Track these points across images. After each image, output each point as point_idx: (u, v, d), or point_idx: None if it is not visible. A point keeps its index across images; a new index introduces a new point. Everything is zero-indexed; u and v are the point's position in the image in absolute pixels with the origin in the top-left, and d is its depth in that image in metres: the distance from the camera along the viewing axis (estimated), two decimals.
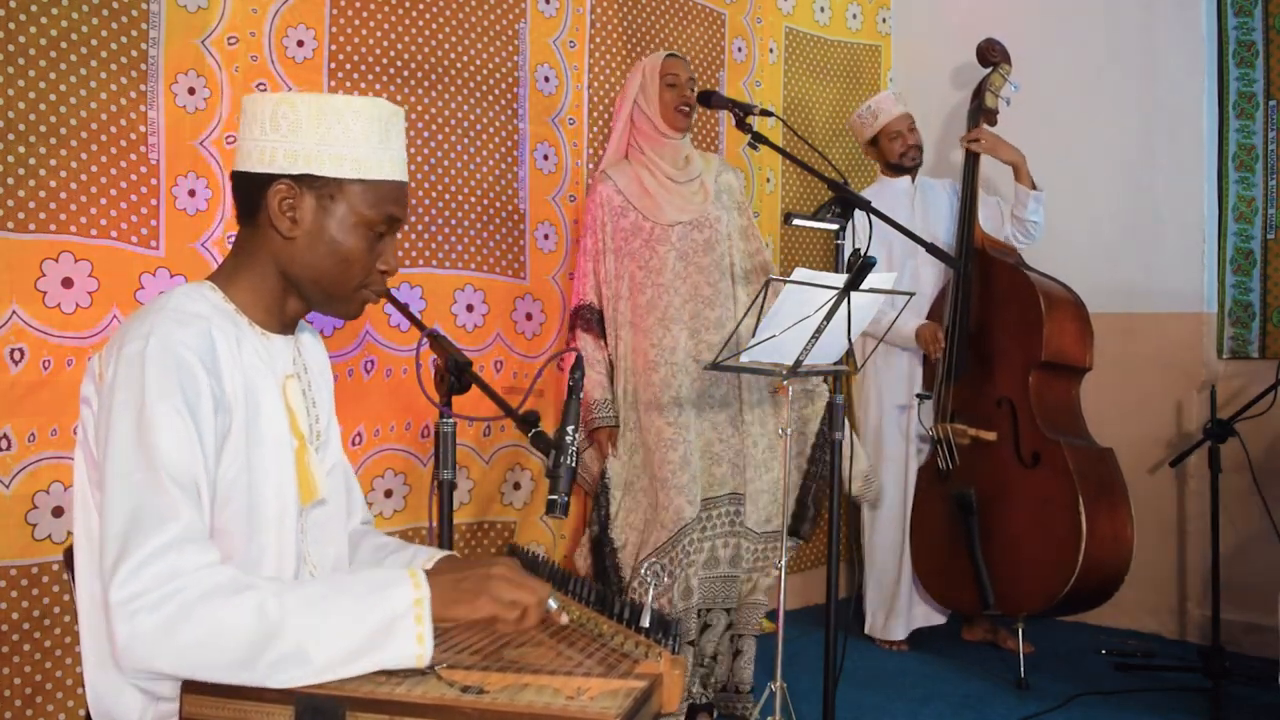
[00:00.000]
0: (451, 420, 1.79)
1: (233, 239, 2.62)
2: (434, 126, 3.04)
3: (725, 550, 2.89)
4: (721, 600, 2.93)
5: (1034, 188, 3.55)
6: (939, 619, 3.76)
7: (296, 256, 1.34)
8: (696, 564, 2.80)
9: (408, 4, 2.97)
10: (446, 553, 1.52)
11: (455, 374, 1.73)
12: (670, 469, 2.76)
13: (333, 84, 2.81)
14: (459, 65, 3.09)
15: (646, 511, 2.81)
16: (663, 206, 2.87)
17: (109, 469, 1.17)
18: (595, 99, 3.44)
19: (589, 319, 2.91)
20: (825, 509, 2.94)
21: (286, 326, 1.42)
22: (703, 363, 2.81)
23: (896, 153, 3.73)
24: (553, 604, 1.25)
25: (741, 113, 2.70)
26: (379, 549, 1.55)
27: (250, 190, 1.34)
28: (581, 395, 1.69)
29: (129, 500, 1.14)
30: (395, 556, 1.52)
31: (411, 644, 1.13)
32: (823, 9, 4.30)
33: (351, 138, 1.31)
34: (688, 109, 2.90)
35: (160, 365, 1.20)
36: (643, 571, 2.73)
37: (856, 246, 2.44)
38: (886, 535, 3.76)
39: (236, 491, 1.27)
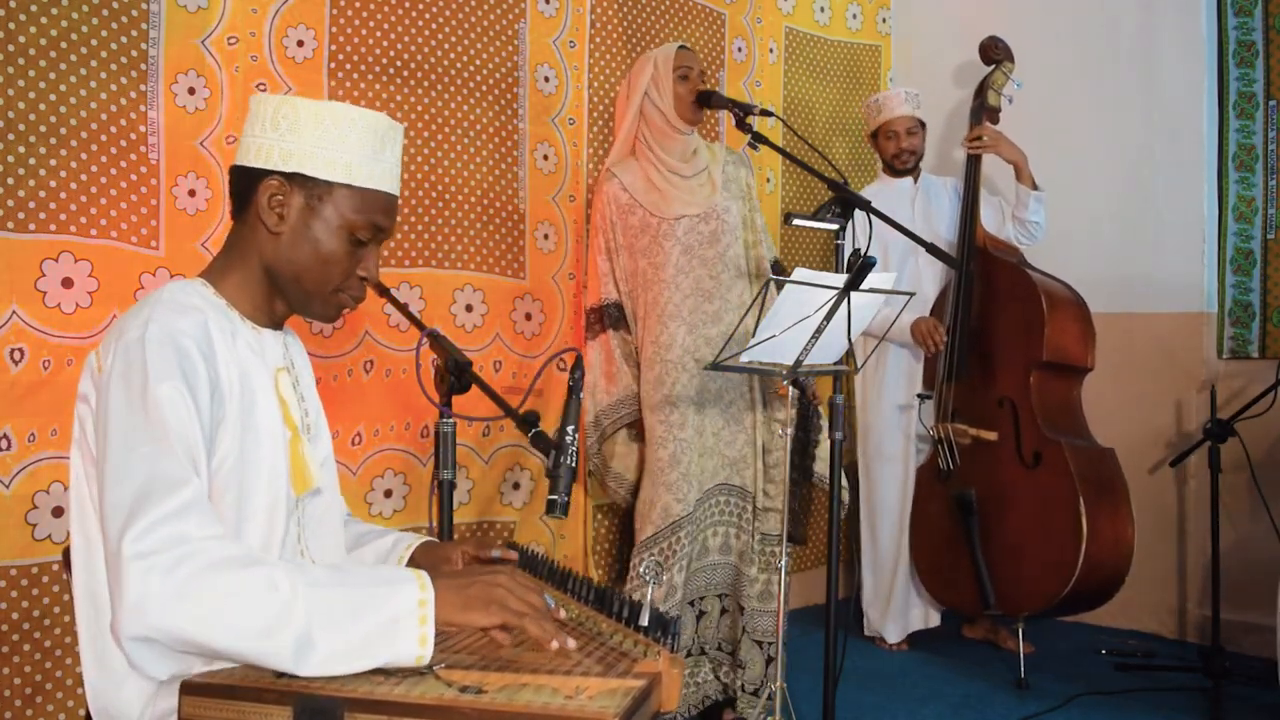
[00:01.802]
0: (451, 420, 1.79)
1: None
2: (434, 126, 3.04)
3: (715, 539, 2.90)
4: (714, 588, 2.92)
5: (1035, 187, 3.55)
6: (935, 620, 3.75)
7: (280, 252, 1.37)
8: (686, 559, 2.79)
9: (408, 4, 2.97)
10: (424, 539, 1.58)
11: (455, 374, 1.73)
12: (660, 466, 2.79)
13: (332, 84, 2.81)
14: (459, 65, 3.09)
15: (641, 506, 2.85)
16: (669, 200, 2.87)
17: (113, 445, 1.17)
18: (595, 99, 3.44)
19: (616, 316, 2.93)
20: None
21: (276, 321, 1.45)
22: (700, 359, 2.81)
23: (889, 153, 3.74)
24: (550, 600, 1.25)
25: (741, 113, 2.70)
26: (360, 536, 1.60)
27: (244, 185, 1.38)
28: (583, 396, 1.69)
29: (139, 470, 1.15)
30: (378, 541, 1.58)
31: (413, 645, 1.13)
32: (823, 9, 4.30)
33: (346, 144, 1.36)
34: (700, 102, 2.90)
35: (160, 348, 1.22)
36: (640, 569, 2.73)
37: (856, 246, 2.44)
38: (885, 536, 3.75)
39: (231, 481, 1.28)
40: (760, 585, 2.92)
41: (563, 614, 1.28)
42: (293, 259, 1.37)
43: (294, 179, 1.35)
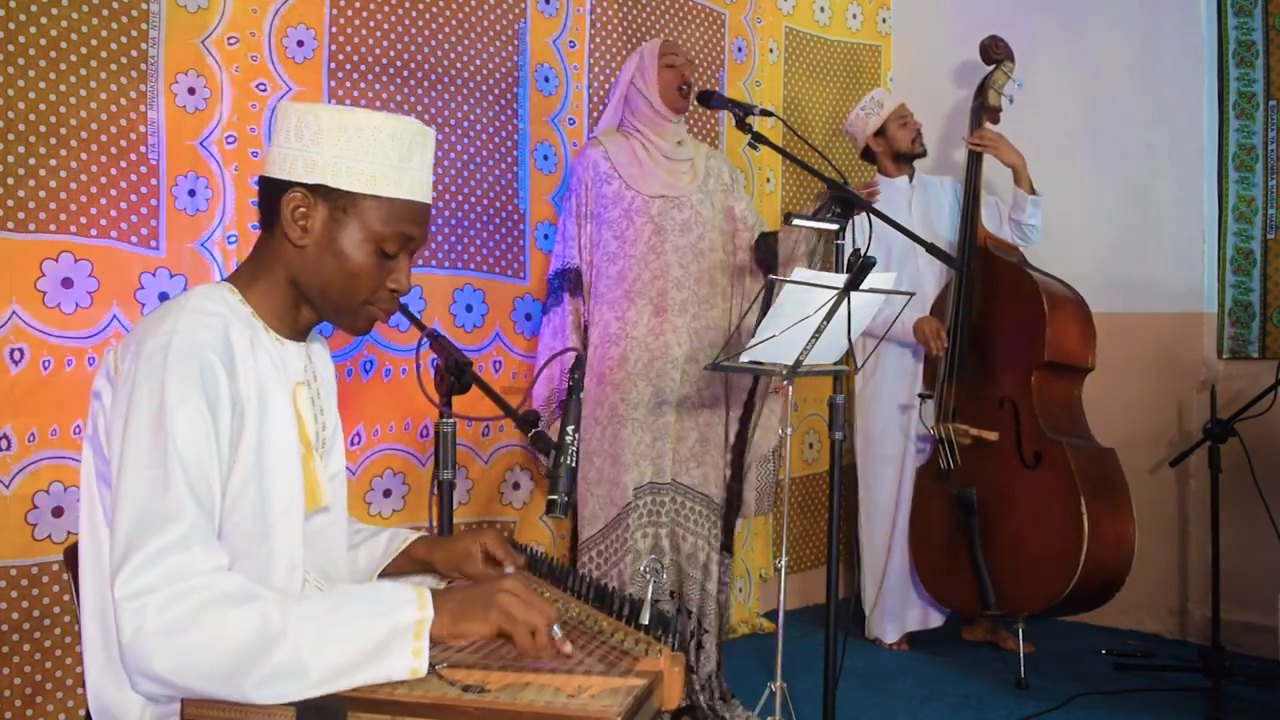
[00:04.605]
0: (451, 420, 1.79)
1: (233, 239, 2.64)
2: (434, 126, 3.03)
3: (667, 541, 2.85)
4: (662, 589, 2.89)
5: (1033, 192, 3.55)
6: (936, 621, 3.75)
7: (306, 266, 1.35)
8: (641, 549, 2.78)
9: (408, 4, 2.97)
10: (418, 534, 1.56)
11: (455, 374, 1.73)
12: (620, 445, 2.78)
13: (332, 84, 2.81)
14: (459, 65, 3.10)
15: (593, 486, 2.81)
16: (648, 177, 2.87)
17: (125, 464, 1.17)
18: (595, 99, 3.44)
19: (575, 282, 2.92)
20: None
21: (299, 333, 1.43)
22: (667, 344, 2.81)
23: (909, 138, 3.71)
24: (557, 631, 1.21)
25: (741, 113, 2.70)
26: (353, 536, 1.59)
27: (271, 196, 1.35)
28: (582, 395, 1.68)
29: (139, 497, 1.15)
30: (371, 542, 1.57)
31: (407, 659, 1.13)
32: (823, 9, 4.30)
33: (370, 153, 1.32)
34: (686, 89, 2.91)
35: (182, 364, 1.20)
36: (642, 570, 2.73)
37: (856, 246, 2.44)
38: (884, 535, 3.75)
39: (248, 493, 1.27)
40: (716, 595, 2.86)
41: (568, 648, 1.21)
42: (318, 272, 1.35)
43: (317, 190, 1.32)
